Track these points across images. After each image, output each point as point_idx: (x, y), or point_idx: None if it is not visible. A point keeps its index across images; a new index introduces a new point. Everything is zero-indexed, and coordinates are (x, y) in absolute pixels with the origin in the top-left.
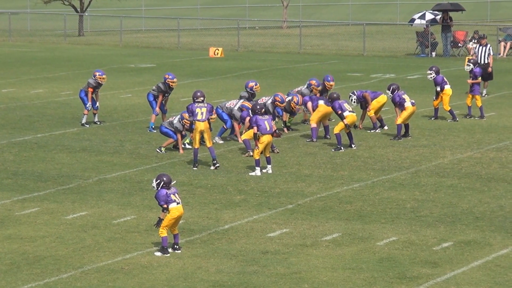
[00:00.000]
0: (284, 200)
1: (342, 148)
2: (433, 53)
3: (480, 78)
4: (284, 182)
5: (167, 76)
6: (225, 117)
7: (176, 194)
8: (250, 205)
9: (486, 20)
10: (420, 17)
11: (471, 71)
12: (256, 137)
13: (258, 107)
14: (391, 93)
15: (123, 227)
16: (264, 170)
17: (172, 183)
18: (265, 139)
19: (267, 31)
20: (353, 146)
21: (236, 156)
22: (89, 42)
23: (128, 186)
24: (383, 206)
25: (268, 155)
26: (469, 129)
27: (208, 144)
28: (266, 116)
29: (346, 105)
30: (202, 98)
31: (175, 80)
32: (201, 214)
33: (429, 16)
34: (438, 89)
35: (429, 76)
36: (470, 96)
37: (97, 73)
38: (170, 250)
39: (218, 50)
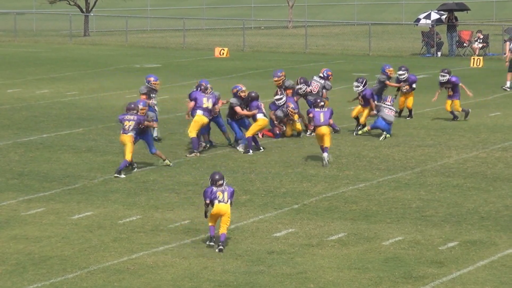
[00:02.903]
0: (289, 200)
1: (261, 148)
2: (439, 53)
3: (460, 84)
4: (290, 182)
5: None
6: (235, 128)
7: (225, 192)
8: (256, 205)
9: (491, 20)
10: (425, 17)
11: (448, 81)
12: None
13: (318, 100)
14: (362, 86)
15: (128, 227)
16: (325, 161)
17: (221, 182)
18: (320, 131)
19: (272, 31)
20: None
21: (241, 156)
22: (94, 42)
23: (134, 186)
24: (388, 206)
25: (326, 145)
26: (475, 129)
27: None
28: (325, 109)
29: (263, 107)
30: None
31: (157, 82)
32: None
33: (434, 16)
34: (414, 86)
35: (402, 77)
36: (449, 101)
37: (152, 78)
38: (211, 243)
39: (224, 50)
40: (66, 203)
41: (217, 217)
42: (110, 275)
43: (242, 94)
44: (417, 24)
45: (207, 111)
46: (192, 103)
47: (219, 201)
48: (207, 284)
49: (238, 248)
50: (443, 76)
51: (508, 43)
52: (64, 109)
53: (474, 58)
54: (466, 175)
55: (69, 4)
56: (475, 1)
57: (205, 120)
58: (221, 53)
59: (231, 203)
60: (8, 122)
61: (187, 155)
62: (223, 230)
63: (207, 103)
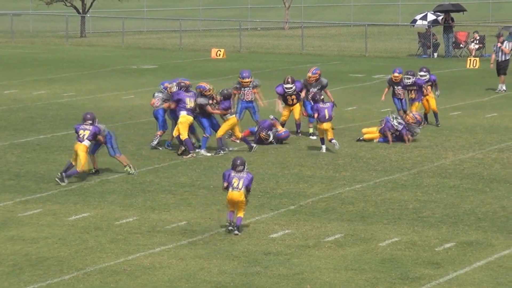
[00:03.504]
0: (286, 201)
1: (227, 149)
2: (435, 54)
3: (424, 86)
4: (286, 183)
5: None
6: (205, 124)
7: (241, 180)
8: (252, 206)
9: (488, 21)
10: (422, 18)
11: (414, 83)
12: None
13: (318, 96)
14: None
15: (125, 228)
16: (323, 150)
17: (240, 167)
18: (324, 126)
19: (269, 32)
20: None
21: None
22: (91, 43)
23: (130, 187)
24: (385, 207)
25: (331, 137)
26: (471, 130)
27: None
28: (327, 104)
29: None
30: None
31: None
32: (203, 215)
33: (430, 17)
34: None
35: (424, 78)
36: (417, 103)
37: (169, 85)
38: (230, 228)
39: (220, 51)
40: (63, 204)
41: (232, 203)
42: (106, 276)
43: (207, 93)
44: (413, 25)
45: (190, 110)
46: (174, 105)
47: (233, 188)
48: (204, 285)
49: (235, 249)
50: (408, 78)
51: (499, 44)
52: (61, 110)
53: (470, 59)
54: (462, 176)
55: (66, 5)
56: (472, 2)
57: (191, 119)
58: (218, 54)
59: (248, 190)
60: (5, 123)
61: (184, 157)
62: (239, 214)
63: (190, 103)
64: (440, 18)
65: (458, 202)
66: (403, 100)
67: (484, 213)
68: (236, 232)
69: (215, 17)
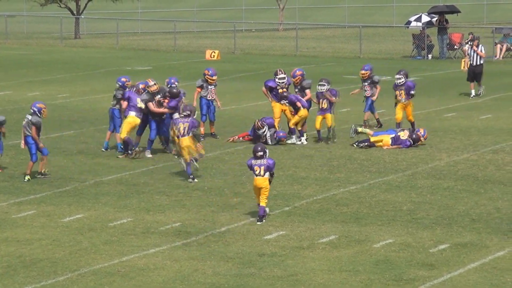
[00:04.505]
0: (280, 202)
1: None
2: (429, 56)
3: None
4: (281, 184)
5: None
6: (152, 126)
7: (262, 167)
8: (247, 207)
9: (482, 22)
10: (416, 20)
11: (327, 91)
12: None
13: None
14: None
15: (119, 229)
16: (299, 142)
17: (260, 153)
18: (303, 113)
19: (263, 33)
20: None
21: (232, 159)
22: (85, 44)
23: (125, 188)
24: (379, 208)
25: (300, 129)
26: (465, 131)
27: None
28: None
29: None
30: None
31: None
32: (197, 217)
33: (425, 18)
34: (413, 92)
35: (399, 81)
36: (320, 117)
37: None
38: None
39: (215, 52)
40: (57, 206)
41: (257, 189)
42: (101, 278)
43: (151, 89)
44: (408, 27)
45: (139, 111)
46: (125, 103)
47: (256, 175)
48: (198, 286)
49: (229, 251)
50: (322, 85)
51: (474, 47)
52: (55, 112)
53: (464, 61)
54: (457, 177)
55: (60, 6)
56: (466, 3)
57: (138, 121)
58: (212, 56)
59: (271, 175)
60: None
61: (119, 156)
62: (262, 202)
63: (140, 103)
64: (434, 19)
65: (452, 203)
66: (368, 99)
67: (479, 214)
68: (258, 220)
69: (210, 19)
